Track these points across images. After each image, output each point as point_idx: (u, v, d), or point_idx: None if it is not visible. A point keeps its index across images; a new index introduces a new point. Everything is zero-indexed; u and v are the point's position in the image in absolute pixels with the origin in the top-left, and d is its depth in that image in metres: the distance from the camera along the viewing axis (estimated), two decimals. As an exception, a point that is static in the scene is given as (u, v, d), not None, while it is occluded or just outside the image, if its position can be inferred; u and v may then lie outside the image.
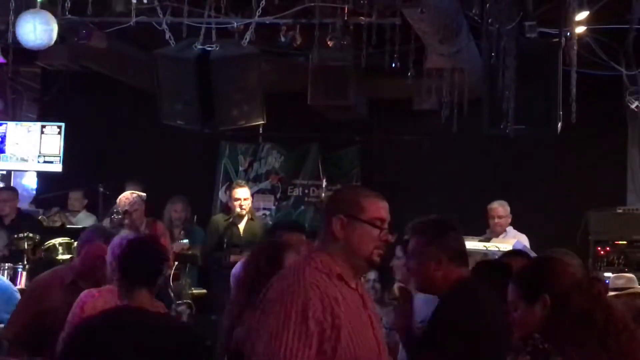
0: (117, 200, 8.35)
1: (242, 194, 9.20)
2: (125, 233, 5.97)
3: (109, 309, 4.10)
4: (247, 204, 9.17)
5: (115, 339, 3.74)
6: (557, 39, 7.26)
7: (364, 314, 3.20)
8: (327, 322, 3.00)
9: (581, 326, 2.88)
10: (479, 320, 3.65)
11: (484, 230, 8.90)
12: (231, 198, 9.37)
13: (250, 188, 10.40)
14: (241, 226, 9.19)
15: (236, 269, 5.08)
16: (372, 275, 6.49)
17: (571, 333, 2.88)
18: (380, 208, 3.25)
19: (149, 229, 8.21)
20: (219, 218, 9.54)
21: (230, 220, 9.19)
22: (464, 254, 4.07)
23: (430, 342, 3.83)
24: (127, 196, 8.41)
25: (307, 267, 3.13)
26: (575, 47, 7.09)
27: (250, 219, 9.26)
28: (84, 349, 3.77)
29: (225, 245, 8.90)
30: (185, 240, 8.97)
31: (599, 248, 8.79)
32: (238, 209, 9.11)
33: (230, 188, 9.97)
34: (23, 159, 10.91)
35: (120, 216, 8.27)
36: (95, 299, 4.66)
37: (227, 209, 9.64)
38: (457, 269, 3.95)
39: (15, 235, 8.03)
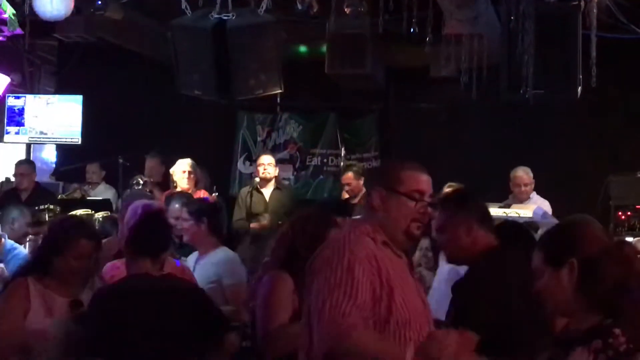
0: (172, 169, 8.72)
1: (266, 160, 9.38)
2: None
3: (120, 279, 4.29)
4: (271, 169, 9.27)
5: (125, 305, 3.98)
6: (576, 2, 7.17)
7: (411, 280, 3.27)
8: (377, 282, 3.05)
9: (617, 295, 2.67)
10: (509, 291, 3.63)
11: (503, 196, 8.85)
12: (256, 166, 9.51)
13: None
14: (267, 194, 9.28)
15: None
16: (424, 243, 6.47)
17: (607, 303, 2.67)
18: (419, 181, 3.28)
19: None
20: (243, 189, 9.65)
21: (255, 187, 9.28)
22: (491, 219, 4.09)
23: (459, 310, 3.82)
24: (183, 166, 8.66)
25: (352, 233, 3.20)
26: (594, 10, 7.01)
27: (277, 188, 9.35)
28: (99, 315, 4.00)
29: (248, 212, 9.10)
30: None
31: (620, 213, 8.73)
32: (262, 174, 9.23)
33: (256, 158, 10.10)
34: (42, 132, 10.93)
35: (140, 187, 8.34)
36: (120, 271, 4.74)
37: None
38: (486, 235, 3.96)
39: (36, 207, 8.06)
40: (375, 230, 3.21)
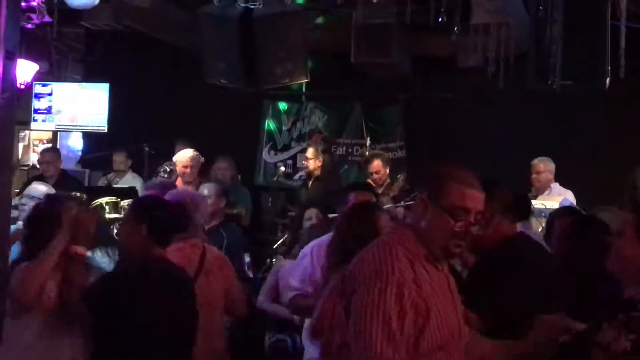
0: (175, 157, 8.74)
1: (307, 154, 9.91)
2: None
3: (139, 259, 4.35)
4: (311, 163, 9.74)
5: (144, 284, 4.21)
6: (605, -8, 7.11)
7: (449, 296, 3.07)
8: (421, 304, 2.89)
9: None
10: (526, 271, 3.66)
11: (529, 187, 8.81)
12: None
13: (293, 147, 10.53)
14: (310, 185, 9.67)
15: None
16: None
17: None
18: (465, 196, 2.97)
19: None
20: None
21: (304, 180, 9.91)
22: (512, 208, 4.05)
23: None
24: (188, 153, 8.71)
25: (398, 246, 2.99)
26: (624, 0, 6.95)
27: (317, 179, 9.63)
28: (113, 291, 4.19)
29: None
30: None
31: (647, 205, 8.67)
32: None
33: None
34: (69, 120, 10.98)
35: (165, 175, 8.37)
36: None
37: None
38: (509, 224, 3.96)
39: (61, 195, 8.07)
40: (419, 243, 3.00)
